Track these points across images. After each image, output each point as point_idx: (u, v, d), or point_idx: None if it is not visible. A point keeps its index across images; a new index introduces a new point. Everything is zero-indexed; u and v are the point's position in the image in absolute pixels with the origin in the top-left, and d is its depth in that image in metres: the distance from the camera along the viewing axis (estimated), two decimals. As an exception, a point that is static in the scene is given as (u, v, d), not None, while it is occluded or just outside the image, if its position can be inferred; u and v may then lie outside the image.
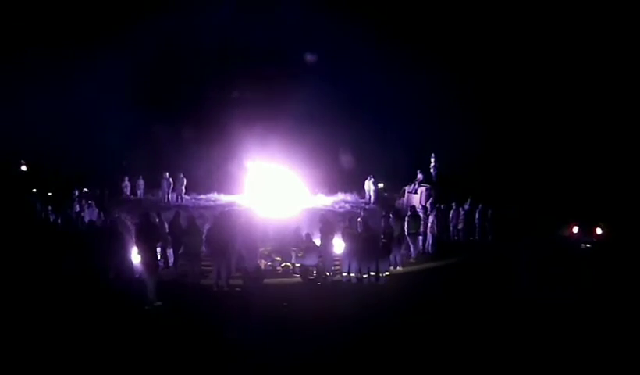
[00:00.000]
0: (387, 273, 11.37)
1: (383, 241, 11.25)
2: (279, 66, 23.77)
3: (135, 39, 20.47)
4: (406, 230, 13.14)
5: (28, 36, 21.09)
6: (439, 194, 17.93)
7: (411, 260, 13.40)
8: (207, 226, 11.51)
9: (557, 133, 21.49)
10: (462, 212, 16.12)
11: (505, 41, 22.39)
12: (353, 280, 11.17)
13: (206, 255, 11.10)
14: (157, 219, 12.01)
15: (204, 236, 10.85)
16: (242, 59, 23.45)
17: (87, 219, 13.62)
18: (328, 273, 11.49)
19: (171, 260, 11.67)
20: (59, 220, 13.16)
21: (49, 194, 19.04)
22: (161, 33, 20.85)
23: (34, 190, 19.46)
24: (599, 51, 21.41)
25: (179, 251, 11.26)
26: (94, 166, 20.08)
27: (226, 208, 14.29)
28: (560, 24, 21.81)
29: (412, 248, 13.47)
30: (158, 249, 11.22)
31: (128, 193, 20.03)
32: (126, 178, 20.03)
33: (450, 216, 15.86)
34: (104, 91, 21.03)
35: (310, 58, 23.84)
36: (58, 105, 20.09)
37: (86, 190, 18.72)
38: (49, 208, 15.08)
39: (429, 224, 14.39)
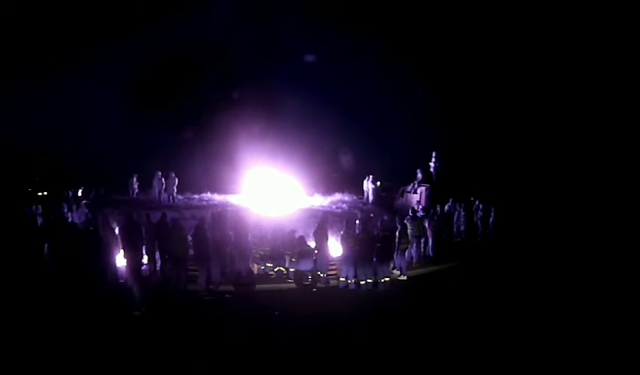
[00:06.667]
0: (387, 279, 10.76)
1: (378, 245, 10.63)
2: (277, 65, 23.48)
3: (133, 39, 20.30)
4: (409, 233, 12.55)
5: (30, 35, 20.88)
6: (440, 193, 17.41)
7: (413, 264, 12.81)
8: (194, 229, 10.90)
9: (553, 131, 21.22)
10: (463, 213, 15.56)
11: (503, 41, 22.10)
12: (351, 286, 10.57)
13: (192, 258, 10.53)
14: (145, 221, 11.39)
15: (190, 239, 10.28)
16: (240, 59, 23.17)
17: (70, 221, 12.98)
18: (323, 274, 10.89)
19: (158, 264, 11.05)
20: (41, 222, 12.54)
21: (44, 193, 18.67)
22: (160, 34, 20.68)
23: (29, 189, 19.08)
24: (594, 51, 21.14)
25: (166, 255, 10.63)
26: (94, 166, 19.67)
27: (218, 209, 13.68)
28: (553, 26, 21.53)
29: (413, 252, 12.85)
30: (144, 252, 10.78)
31: (137, 192, 19.57)
32: (135, 176, 19.50)
33: (455, 217, 15.27)
34: (102, 90, 20.98)
35: (308, 58, 23.55)
36: (58, 104, 20.02)
37: (81, 190, 18.27)
38: (35, 208, 14.50)
39: (430, 226, 13.80)
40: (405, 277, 11.79)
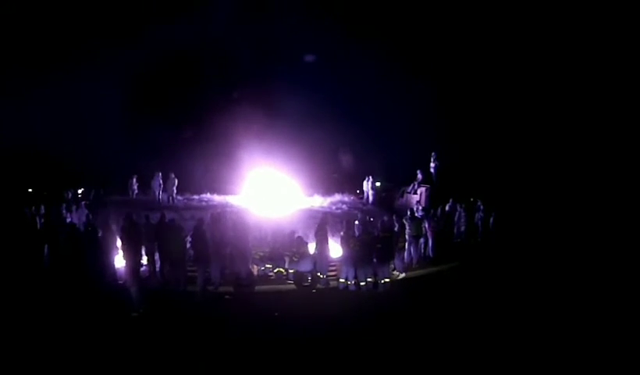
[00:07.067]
0: (387, 280, 10.73)
1: (378, 245, 10.62)
2: (277, 66, 23.47)
3: (133, 39, 20.33)
4: (408, 233, 12.52)
5: (30, 35, 20.87)
6: (440, 194, 17.38)
7: (413, 265, 12.78)
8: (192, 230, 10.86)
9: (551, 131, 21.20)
10: (463, 213, 15.52)
11: (503, 42, 22.08)
12: (351, 287, 10.55)
13: (191, 259, 10.51)
14: (144, 222, 11.36)
15: (188, 239, 10.26)
16: (240, 59, 23.15)
17: (69, 221, 12.96)
18: (323, 275, 10.88)
19: (158, 265, 11.02)
20: (40, 223, 12.54)
21: (44, 194, 18.67)
22: (160, 34, 20.62)
23: (29, 190, 19.10)
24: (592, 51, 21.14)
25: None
26: (93, 166, 19.67)
27: (217, 210, 13.67)
28: (552, 26, 21.51)
29: (413, 252, 12.82)
30: (144, 253, 10.76)
31: (136, 193, 19.49)
32: (135, 177, 19.42)
33: (455, 217, 15.23)
34: (102, 91, 20.89)
35: (308, 58, 23.56)
36: (58, 105, 19.92)
37: (80, 191, 18.27)
38: (33, 209, 14.52)
39: (430, 226, 13.77)
40: (402, 275, 11.78)
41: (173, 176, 19.02)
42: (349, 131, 21.26)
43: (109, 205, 17.19)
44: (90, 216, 14.24)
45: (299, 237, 11.47)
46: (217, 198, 19.57)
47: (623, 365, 6.50)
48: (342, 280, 10.70)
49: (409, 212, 13.38)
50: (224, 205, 17.27)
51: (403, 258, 12.35)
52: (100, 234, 9.85)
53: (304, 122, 20.71)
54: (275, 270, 11.50)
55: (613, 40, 20.68)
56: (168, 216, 11.66)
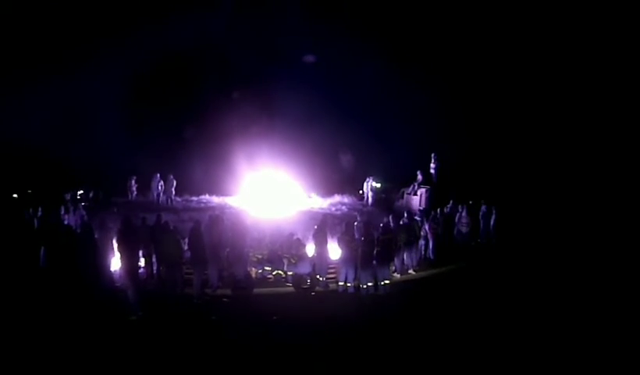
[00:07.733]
0: (387, 282, 10.61)
1: (377, 247, 10.51)
2: (277, 66, 23.38)
3: (132, 40, 20.24)
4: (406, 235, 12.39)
5: (29, 35, 20.80)
6: (440, 195, 17.26)
7: (412, 268, 12.65)
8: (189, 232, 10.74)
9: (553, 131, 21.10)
10: (464, 215, 15.38)
11: (504, 42, 22.01)
12: (350, 290, 10.42)
13: (188, 262, 10.39)
14: (141, 224, 11.23)
15: (186, 241, 10.15)
16: (239, 60, 23.06)
17: (66, 223, 12.85)
18: (322, 278, 10.76)
19: (155, 268, 10.91)
20: (38, 224, 12.43)
21: (43, 196, 18.57)
22: (159, 34, 20.56)
23: (29, 191, 19.04)
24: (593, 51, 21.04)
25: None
26: (92, 168, 19.60)
27: (215, 212, 13.56)
28: (553, 28, 21.43)
29: (412, 254, 12.69)
30: (141, 256, 10.65)
31: (135, 194, 19.44)
32: (134, 178, 19.34)
33: (456, 218, 15.11)
34: (101, 92, 20.84)
35: (308, 59, 23.47)
36: (57, 106, 19.86)
37: (80, 192, 18.20)
38: (31, 210, 14.43)
39: (430, 228, 13.65)
40: (399, 276, 11.67)
41: (172, 177, 18.95)
42: (349, 132, 21.17)
43: (108, 206, 17.11)
44: (86, 218, 14.15)
45: (297, 238, 11.36)
46: (216, 200, 19.49)
47: (625, 365, 6.40)
48: (341, 283, 10.58)
49: (406, 214, 13.29)
50: (223, 207, 17.17)
51: (403, 259, 12.23)
52: (96, 236, 9.72)
53: (303, 123, 20.63)
54: (274, 273, 11.38)
55: (613, 40, 20.61)
56: (166, 217, 11.54)
